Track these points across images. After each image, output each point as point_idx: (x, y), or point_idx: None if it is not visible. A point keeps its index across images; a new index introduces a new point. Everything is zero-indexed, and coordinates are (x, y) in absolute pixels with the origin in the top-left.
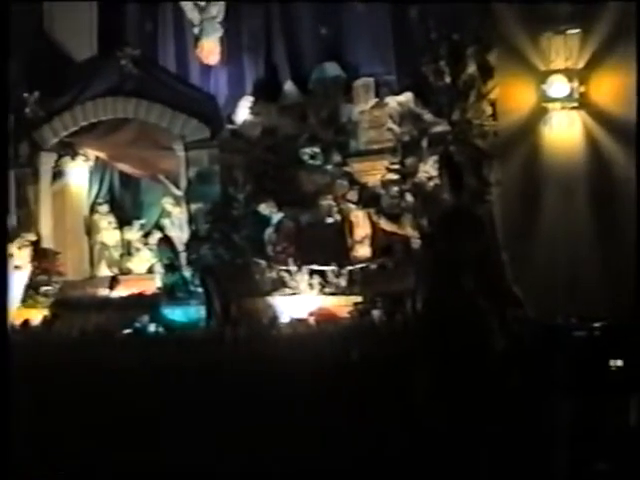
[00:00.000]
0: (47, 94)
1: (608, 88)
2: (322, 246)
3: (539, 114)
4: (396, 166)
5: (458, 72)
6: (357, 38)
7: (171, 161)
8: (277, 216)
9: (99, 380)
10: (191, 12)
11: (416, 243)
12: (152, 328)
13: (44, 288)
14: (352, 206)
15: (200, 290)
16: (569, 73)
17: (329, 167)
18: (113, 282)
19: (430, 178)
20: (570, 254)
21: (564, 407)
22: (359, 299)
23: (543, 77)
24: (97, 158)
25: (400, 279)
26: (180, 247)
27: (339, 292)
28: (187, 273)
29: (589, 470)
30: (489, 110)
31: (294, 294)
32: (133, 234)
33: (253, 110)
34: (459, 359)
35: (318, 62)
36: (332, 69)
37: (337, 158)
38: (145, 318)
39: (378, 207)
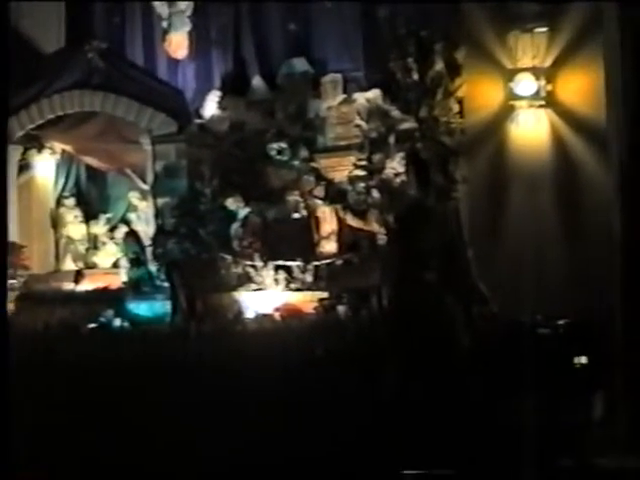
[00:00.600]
0: (13, 86)
1: (575, 86)
2: (288, 242)
3: (506, 112)
4: (363, 162)
5: (426, 69)
6: (325, 34)
7: (138, 155)
8: (244, 211)
9: (63, 374)
10: (160, 6)
11: (382, 239)
12: (117, 322)
13: (9, 281)
14: (319, 202)
15: (166, 285)
16: (536, 71)
17: (296, 163)
18: (78, 276)
19: (397, 175)
20: (536, 252)
21: (528, 404)
22: (325, 295)
23: (510, 75)
24: (63, 151)
25: (366, 275)
26: (146, 241)
27: (305, 288)
28: (153, 268)
29: (553, 466)
30: (456, 107)
31: (260, 289)
32: (99, 228)
33: (221, 105)
34: (424, 355)
35: (286, 57)
36: (300, 65)
37: (304, 154)
38: (110, 312)
39: (345, 203)
